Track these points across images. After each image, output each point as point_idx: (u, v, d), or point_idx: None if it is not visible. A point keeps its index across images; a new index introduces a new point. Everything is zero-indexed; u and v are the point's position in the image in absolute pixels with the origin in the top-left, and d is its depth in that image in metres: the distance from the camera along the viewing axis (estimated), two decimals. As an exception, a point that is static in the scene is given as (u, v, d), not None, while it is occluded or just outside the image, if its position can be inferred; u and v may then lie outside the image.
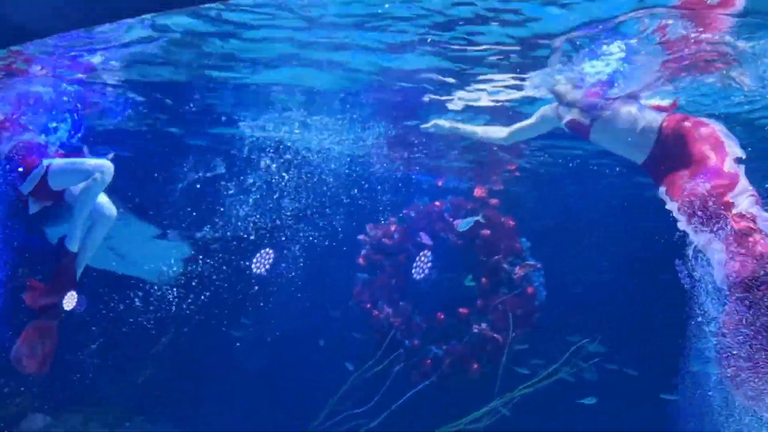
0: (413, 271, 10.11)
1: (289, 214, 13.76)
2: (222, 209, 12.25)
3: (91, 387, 13.89)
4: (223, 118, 11.53)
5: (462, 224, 8.59)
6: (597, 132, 7.63)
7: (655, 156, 7.03)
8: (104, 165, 7.87)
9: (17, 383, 13.14)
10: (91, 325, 13.98)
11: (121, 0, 4.36)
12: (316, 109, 10.74)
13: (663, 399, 12.11)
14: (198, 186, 12.69)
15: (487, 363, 13.04)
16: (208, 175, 12.49)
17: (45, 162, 8.08)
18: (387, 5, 6.89)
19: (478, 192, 13.62)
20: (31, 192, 8.04)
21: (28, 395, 13.30)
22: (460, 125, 8.66)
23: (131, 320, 14.03)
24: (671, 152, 6.85)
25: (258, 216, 13.46)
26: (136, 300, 13.79)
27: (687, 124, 6.86)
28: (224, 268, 14.10)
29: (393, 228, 13.78)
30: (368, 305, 13.57)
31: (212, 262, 13.72)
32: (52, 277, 7.84)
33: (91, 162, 7.95)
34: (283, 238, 13.72)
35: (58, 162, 8.10)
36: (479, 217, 11.43)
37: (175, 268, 12.65)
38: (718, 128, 6.71)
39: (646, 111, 7.36)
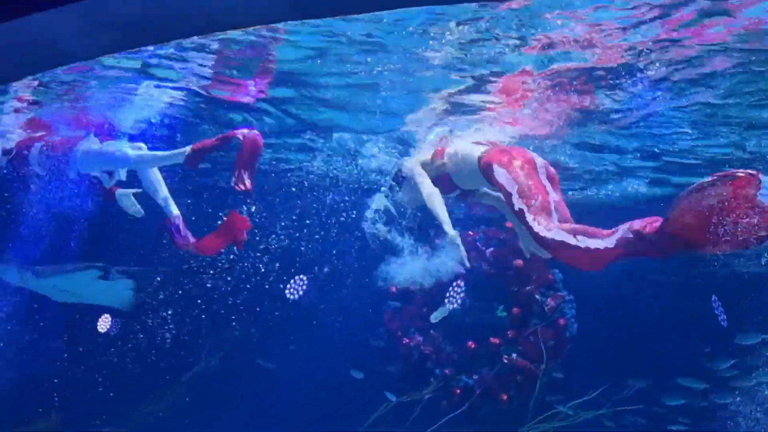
0: (445, 299, 10.12)
1: (322, 240, 13.89)
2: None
3: (114, 411, 14.08)
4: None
5: (437, 313, 8.53)
6: (455, 177, 7.68)
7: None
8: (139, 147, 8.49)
9: (42, 405, 13.42)
10: (115, 350, 14.23)
11: (166, 24, 4.52)
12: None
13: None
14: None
15: (517, 394, 13.00)
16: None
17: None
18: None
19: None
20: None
21: (52, 417, 13.54)
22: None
23: (155, 346, 14.28)
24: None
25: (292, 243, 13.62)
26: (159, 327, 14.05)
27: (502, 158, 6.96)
28: (258, 297, 14.25)
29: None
30: (399, 333, 13.60)
31: (247, 290, 13.90)
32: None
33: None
34: (316, 267, 13.83)
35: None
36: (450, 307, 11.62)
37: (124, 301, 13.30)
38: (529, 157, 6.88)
39: (467, 147, 7.58)
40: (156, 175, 8.82)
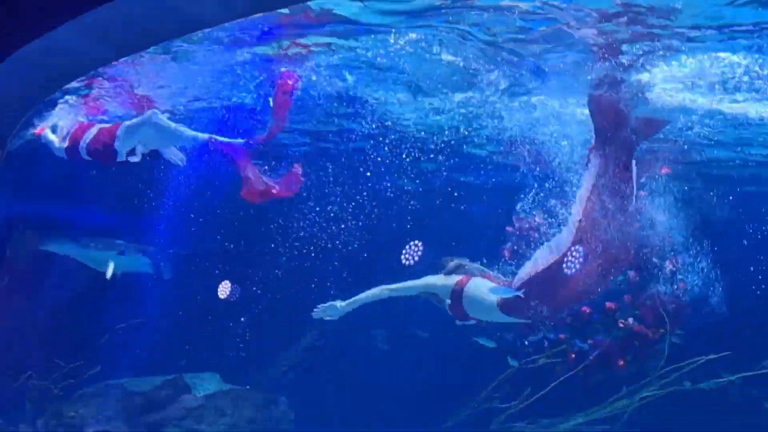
0: (564, 264, 9.90)
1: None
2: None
3: (241, 370, 14.60)
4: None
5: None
6: None
7: None
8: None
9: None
10: (242, 311, 14.72)
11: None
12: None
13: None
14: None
15: (634, 360, 12.75)
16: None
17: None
18: None
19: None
20: None
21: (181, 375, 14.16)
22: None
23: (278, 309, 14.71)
24: None
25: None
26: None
27: None
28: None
29: (539, 220, 13.59)
30: (512, 297, 13.48)
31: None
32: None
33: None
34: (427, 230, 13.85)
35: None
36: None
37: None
38: None
39: None
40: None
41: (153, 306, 14.37)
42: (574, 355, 12.88)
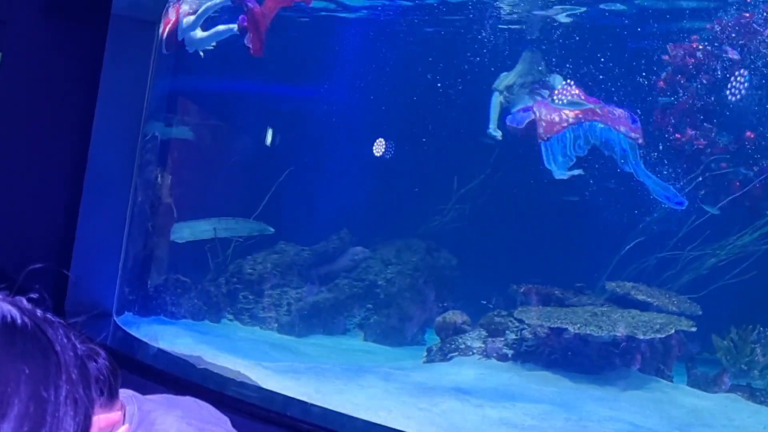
0: (728, 91, 9.50)
1: None
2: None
3: (401, 223, 15.12)
4: None
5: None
6: None
7: None
8: None
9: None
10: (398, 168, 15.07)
11: None
12: None
13: None
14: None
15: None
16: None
17: None
18: None
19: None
20: None
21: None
22: None
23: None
24: None
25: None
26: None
27: None
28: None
29: (695, 45, 13.04)
30: (670, 129, 13.19)
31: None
32: None
33: None
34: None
35: None
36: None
37: None
38: None
39: None
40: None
41: (319, 171, 14.95)
42: (738, 183, 12.60)
